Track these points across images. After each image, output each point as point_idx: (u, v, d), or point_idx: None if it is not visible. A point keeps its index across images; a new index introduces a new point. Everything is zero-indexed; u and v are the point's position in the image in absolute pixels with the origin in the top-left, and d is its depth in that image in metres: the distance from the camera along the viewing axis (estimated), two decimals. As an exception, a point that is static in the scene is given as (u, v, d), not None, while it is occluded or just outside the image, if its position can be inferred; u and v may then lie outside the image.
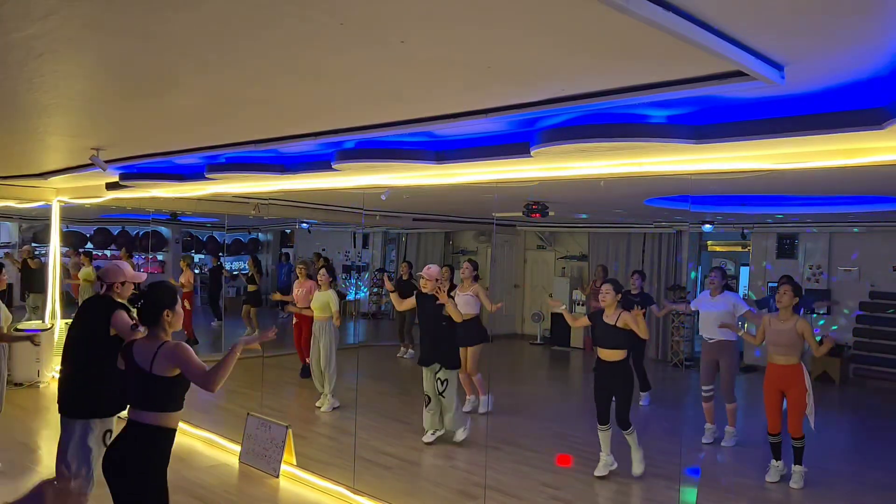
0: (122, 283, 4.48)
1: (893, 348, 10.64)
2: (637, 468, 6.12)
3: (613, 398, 6.03)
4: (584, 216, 11.90)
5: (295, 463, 5.99)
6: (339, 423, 7.56)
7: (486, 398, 8.10)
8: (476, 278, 8.11)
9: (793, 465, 6.00)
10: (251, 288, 13.03)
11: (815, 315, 11.25)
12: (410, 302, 7.19)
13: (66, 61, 3.09)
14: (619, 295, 6.07)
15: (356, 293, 16.55)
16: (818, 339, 6.14)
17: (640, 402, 8.64)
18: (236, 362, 3.46)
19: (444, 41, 2.58)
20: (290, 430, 6.04)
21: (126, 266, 4.61)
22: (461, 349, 7.52)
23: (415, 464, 6.45)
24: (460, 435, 6.94)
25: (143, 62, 3.06)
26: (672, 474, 6.09)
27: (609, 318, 6.02)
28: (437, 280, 6.89)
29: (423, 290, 6.93)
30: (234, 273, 17.29)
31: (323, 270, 8.45)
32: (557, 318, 13.85)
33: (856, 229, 10.95)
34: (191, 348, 3.46)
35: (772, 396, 6.06)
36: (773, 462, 6.14)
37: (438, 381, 6.83)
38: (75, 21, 2.49)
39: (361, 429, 6.38)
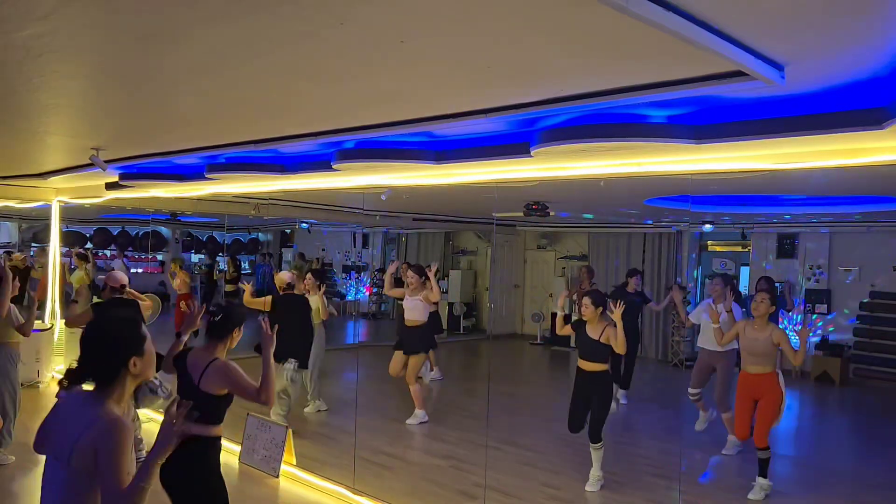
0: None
1: (893, 348, 10.63)
2: (593, 485, 5.85)
3: (590, 411, 5.83)
4: (589, 216, 11.86)
5: (295, 463, 5.98)
6: (339, 423, 7.55)
7: (421, 413, 7.75)
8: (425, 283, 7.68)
9: (757, 478, 5.71)
10: (229, 288, 12.88)
11: (814, 315, 11.25)
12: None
13: (66, 61, 3.09)
14: (601, 308, 5.80)
15: (356, 293, 16.55)
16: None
17: (620, 401, 8.61)
18: (240, 363, 3.52)
19: (444, 41, 2.58)
20: (290, 430, 6.04)
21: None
22: (404, 355, 7.64)
23: (415, 464, 6.44)
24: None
25: (143, 62, 3.06)
26: (672, 474, 6.09)
27: (592, 332, 5.81)
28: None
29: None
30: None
31: (309, 275, 8.14)
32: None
33: (856, 229, 10.95)
34: (239, 368, 3.51)
35: (743, 404, 5.88)
36: (759, 479, 5.79)
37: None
38: (75, 21, 2.49)
39: (361, 429, 6.38)
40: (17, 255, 11.75)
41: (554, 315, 13.74)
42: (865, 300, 10.96)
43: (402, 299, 7.90)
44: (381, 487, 5.58)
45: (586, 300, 5.86)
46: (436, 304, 7.93)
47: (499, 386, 9.80)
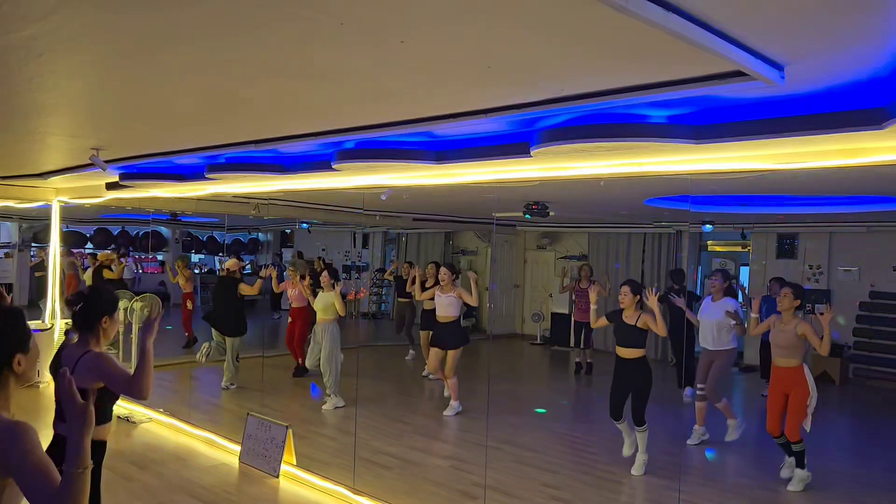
0: None
1: (893, 348, 10.64)
2: (638, 469, 6.16)
3: (630, 395, 6.15)
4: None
5: (295, 463, 5.98)
6: (339, 423, 7.56)
7: (456, 404, 8.10)
8: (456, 280, 8.33)
9: (795, 469, 5.98)
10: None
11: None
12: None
13: (66, 61, 3.09)
14: (638, 296, 6.13)
15: (356, 293, 16.52)
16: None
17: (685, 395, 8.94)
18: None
19: (444, 41, 2.58)
20: (290, 430, 6.04)
21: None
22: (440, 351, 7.99)
23: (415, 464, 6.44)
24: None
25: (143, 62, 3.06)
26: (672, 474, 6.10)
27: (629, 318, 6.13)
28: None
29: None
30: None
31: (325, 273, 8.67)
32: (557, 318, 13.85)
33: (856, 229, 10.94)
34: (113, 358, 3.18)
35: (774, 398, 6.06)
36: (787, 459, 6.13)
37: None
38: (75, 21, 2.49)
39: (361, 429, 6.38)
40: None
41: (555, 315, 13.81)
42: (865, 300, 10.97)
43: (432, 298, 8.44)
44: (381, 487, 5.58)
45: (625, 288, 6.22)
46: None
47: (499, 386, 9.80)
